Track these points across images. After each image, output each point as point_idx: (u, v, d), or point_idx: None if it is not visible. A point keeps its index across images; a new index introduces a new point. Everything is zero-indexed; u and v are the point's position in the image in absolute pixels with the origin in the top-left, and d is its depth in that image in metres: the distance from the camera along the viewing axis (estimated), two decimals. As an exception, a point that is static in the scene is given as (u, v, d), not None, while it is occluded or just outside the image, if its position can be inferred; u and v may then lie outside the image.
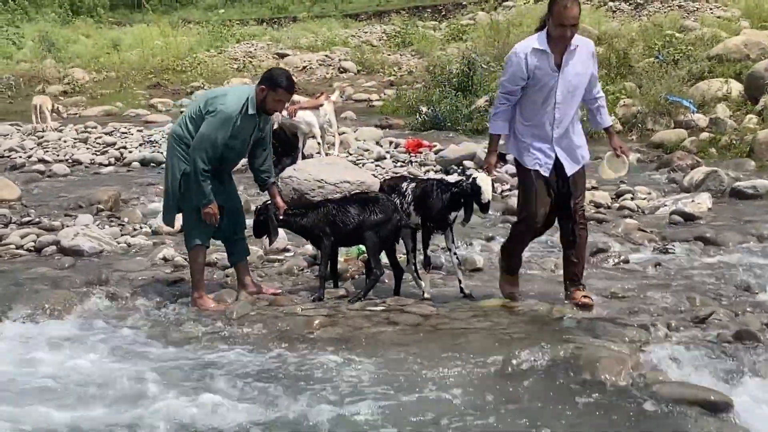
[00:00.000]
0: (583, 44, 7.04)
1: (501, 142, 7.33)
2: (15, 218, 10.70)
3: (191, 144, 7.31)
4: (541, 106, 7.05)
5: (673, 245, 9.59)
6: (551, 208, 7.22)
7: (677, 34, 22.10)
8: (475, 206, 7.57)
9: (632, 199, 12.04)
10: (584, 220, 7.36)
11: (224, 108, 7.23)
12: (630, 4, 32.97)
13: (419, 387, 5.65)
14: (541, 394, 5.51)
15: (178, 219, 7.83)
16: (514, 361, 5.97)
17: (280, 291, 7.84)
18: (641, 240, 9.89)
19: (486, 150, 7.61)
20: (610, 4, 33.19)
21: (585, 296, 7.27)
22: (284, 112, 13.50)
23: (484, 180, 7.46)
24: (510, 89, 7.11)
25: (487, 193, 7.47)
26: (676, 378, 5.72)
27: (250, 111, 7.26)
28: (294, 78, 7.58)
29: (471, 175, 7.68)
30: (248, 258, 8.06)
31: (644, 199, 12.09)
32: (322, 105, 14.77)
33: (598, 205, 11.48)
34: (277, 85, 7.25)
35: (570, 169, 7.13)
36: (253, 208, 8.78)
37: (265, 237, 7.95)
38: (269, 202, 7.77)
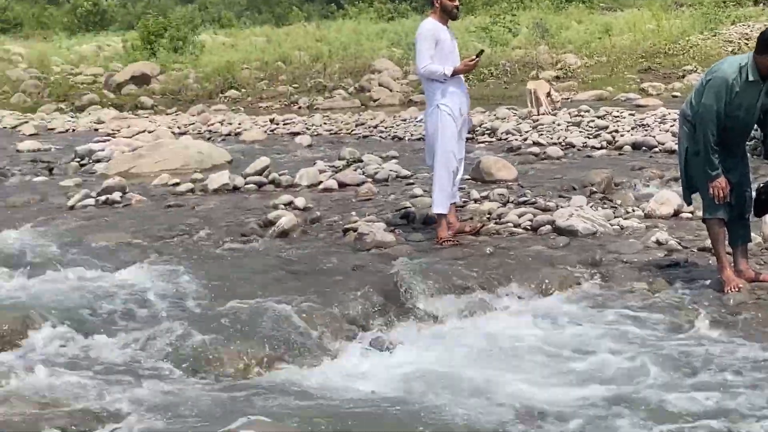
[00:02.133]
0: None
1: None
2: (512, 198, 11.16)
3: (692, 120, 7.23)
4: None
5: None
6: None
7: None
8: None
9: None
10: None
11: (718, 74, 7.04)
12: None
13: None
14: None
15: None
16: None
17: (776, 278, 7.52)
18: None
19: None
20: None
21: None
22: None
23: None
24: None
25: None
26: None
27: (751, 77, 6.96)
28: None
29: None
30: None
31: None
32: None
33: None
34: None
35: None
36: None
37: (765, 217, 7.64)
38: (774, 179, 7.45)
